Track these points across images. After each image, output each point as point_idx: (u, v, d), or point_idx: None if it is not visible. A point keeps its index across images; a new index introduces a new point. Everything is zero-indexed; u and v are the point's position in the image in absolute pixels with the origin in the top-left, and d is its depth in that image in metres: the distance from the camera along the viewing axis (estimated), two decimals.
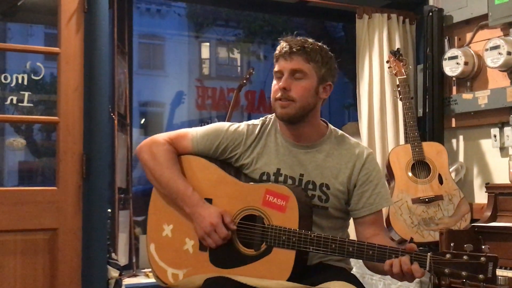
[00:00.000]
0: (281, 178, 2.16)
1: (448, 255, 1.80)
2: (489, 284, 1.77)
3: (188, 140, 2.25)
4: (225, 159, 2.24)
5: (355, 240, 2.00)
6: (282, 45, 2.15)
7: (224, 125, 2.28)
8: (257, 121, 2.27)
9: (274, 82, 2.16)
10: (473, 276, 1.76)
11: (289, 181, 2.16)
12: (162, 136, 2.27)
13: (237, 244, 2.09)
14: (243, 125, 2.26)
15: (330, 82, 2.18)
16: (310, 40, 2.17)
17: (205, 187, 2.18)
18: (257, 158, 2.20)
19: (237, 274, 2.03)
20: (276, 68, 2.16)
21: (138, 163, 2.35)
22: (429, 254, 1.84)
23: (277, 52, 2.17)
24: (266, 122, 2.26)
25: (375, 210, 2.18)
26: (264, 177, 2.17)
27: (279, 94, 2.12)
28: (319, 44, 2.18)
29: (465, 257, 1.78)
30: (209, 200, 2.16)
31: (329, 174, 2.16)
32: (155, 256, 2.21)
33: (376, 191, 2.18)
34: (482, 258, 1.76)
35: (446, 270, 1.79)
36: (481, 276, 1.75)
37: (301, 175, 2.16)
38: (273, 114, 2.23)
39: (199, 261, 2.12)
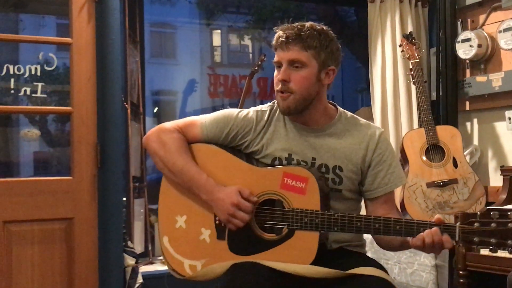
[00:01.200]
0: (293, 163, 2.14)
1: (476, 224, 1.83)
2: None
3: (197, 128, 2.20)
4: (235, 146, 2.20)
5: (380, 217, 1.98)
6: (278, 35, 2.10)
7: (233, 111, 2.23)
8: (265, 107, 2.24)
9: (276, 72, 2.13)
10: (502, 242, 1.78)
11: (302, 165, 2.14)
12: (170, 124, 2.22)
13: (256, 229, 2.06)
14: (252, 112, 2.21)
15: (333, 66, 2.13)
16: (308, 24, 2.10)
17: (218, 174, 2.13)
18: (267, 144, 2.17)
19: (259, 260, 2.02)
20: (274, 59, 2.11)
21: None
22: (457, 224, 1.87)
23: (274, 42, 2.12)
24: (275, 108, 2.21)
25: (390, 190, 2.18)
26: (276, 163, 2.14)
27: (279, 86, 2.10)
28: (318, 27, 2.11)
29: (493, 224, 1.81)
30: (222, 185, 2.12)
31: (341, 156, 2.15)
32: (170, 248, 2.16)
33: (390, 170, 2.17)
34: (509, 224, 1.79)
35: (475, 239, 1.82)
36: (509, 241, 1.78)
37: (313, 158, 2.15)
38: None
39: (217, 250, 2.09)
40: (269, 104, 2.25)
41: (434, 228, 1.88)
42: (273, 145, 2.16)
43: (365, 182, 2.18)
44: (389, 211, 2.17)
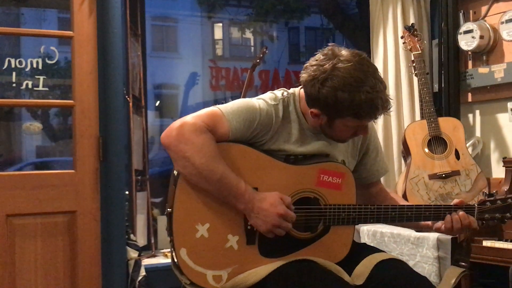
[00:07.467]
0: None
1: (488, 203, 2.16)
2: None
3: (225, 126, 1.97)
4: (253, 142, 2.05)
5: (412, 205, 2.11)
6: (386, 104, 1.99)
7: (253, 106, 2.03)
8: (276, 100, 2.08)
9: (345, 129, 2.04)
10: (504, 215, 2.14)
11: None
12: (197, 121, 1.94)
13: (291, 230, 1.99)
14: (268, 108, 2.04)
15: None
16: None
17: (250, 175, 1.98)
18: (284, 143, 2.06)
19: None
20: (359, 123, 2.02)
21: (154, 145, 2.27)
22: (475, 204, 2.14)
23: (375, 108, 1.97)
24: (285, 103, 2.10)
25: (387, 170, 2.33)
26: (292, 158, 2.07)
27: (347, 139, 2.12)
28: None
29: (498, 202, 2.15)
30: (255, 190, 1.99)
31: (343, 150, 2.17)
32: (189, 261, 1.96)
33: (379, 154, 2.30)
34: (509, 200, 2.15)
35: (486, 215, 2.15)
36: (508, 214, 2.15)
37: (327, 155, 2.13)
38: (289, 92, 2.13)
39: (246, 256, 1.98)
40: (278, 97, 2.10)
41: (461, 213, 2.08)
42: (289, 144, 2.08)
43: (361, 168, 2.26)
44: (388, 193, 2.32)
